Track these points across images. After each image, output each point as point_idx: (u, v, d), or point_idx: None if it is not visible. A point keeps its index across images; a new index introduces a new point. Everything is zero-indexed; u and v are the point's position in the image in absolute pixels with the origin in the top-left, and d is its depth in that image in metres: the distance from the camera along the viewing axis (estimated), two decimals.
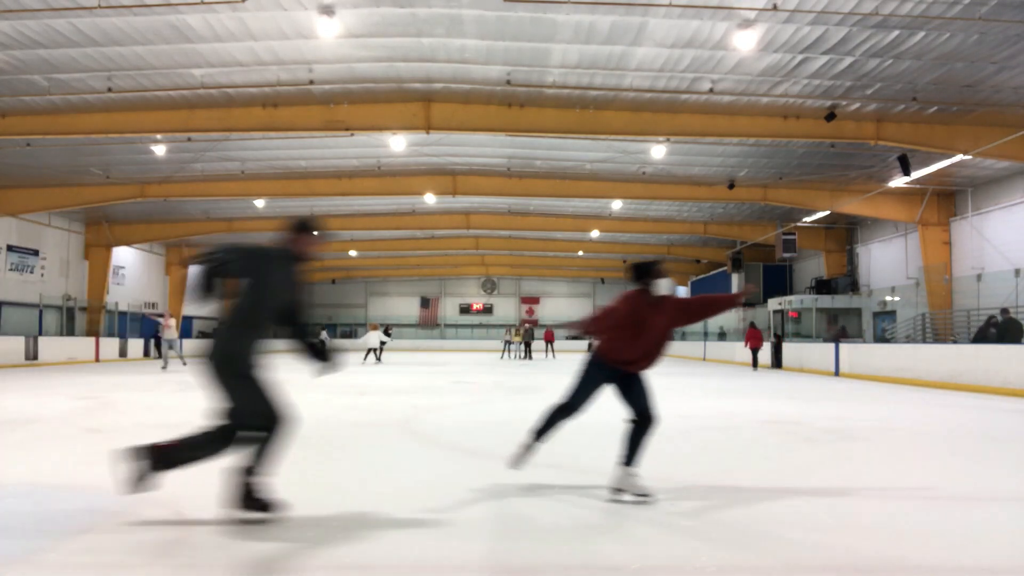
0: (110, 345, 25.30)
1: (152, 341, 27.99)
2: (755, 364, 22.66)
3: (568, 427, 7.65)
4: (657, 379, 16.57)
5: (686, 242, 32.83)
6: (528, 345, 30.86)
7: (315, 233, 3.95)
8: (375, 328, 25.14)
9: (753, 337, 22.56)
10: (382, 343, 24.98)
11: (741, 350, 26.80)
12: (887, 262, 24.97)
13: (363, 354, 24.81)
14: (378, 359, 24.30)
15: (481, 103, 14.88)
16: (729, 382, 15.75)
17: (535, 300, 50.79)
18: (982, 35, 11.28)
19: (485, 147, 18.56)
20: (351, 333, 43.85)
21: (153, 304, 32.40)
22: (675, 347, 37.81)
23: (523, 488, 4.65)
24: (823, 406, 10.25)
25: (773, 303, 27.39)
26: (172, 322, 18.04)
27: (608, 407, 10.12)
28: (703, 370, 21.67)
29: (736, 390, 13.23)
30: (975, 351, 13.72)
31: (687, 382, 15.71)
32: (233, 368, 3.63)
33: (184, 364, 18.10)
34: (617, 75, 13.41)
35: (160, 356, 27.88)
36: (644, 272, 4.40)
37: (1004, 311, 15.43)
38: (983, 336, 15.21)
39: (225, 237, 31.47)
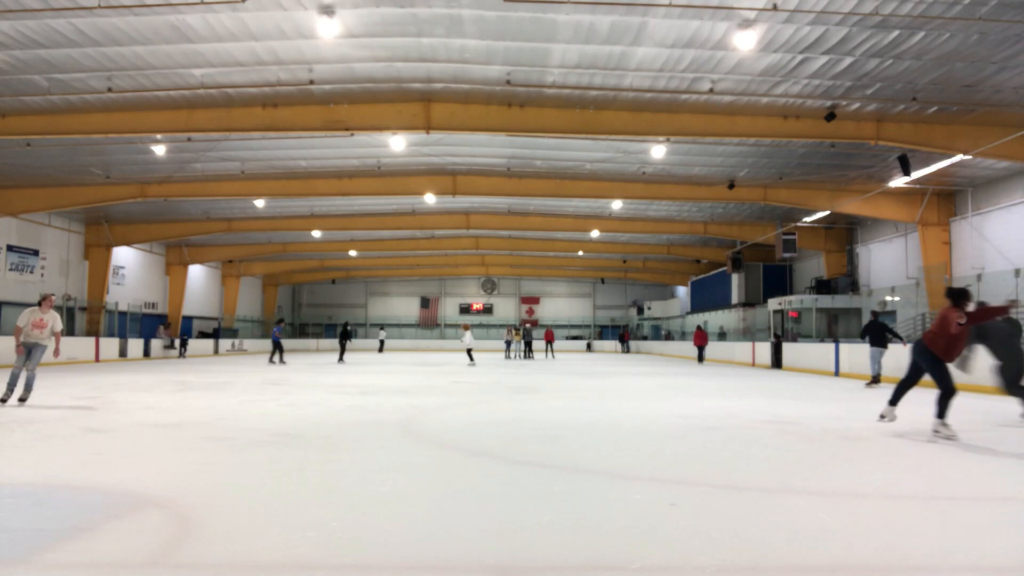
0: (110, 345, 25.30)
1: (151, 341, 28.00)
2: (700, 359, 26.86)
3: (567, 428, 7.69)
4: (657, 379, 16.46)
5: (686, 242, 32.84)
6: (529, 344, 30.94)
7: None
8: (467, 328, 25.60)
9: (699, 337, 26.53)
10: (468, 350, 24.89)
11: (741, 350, 26.91)
12: (887, 262, 24.97)
13: (465, 356, 24.87)
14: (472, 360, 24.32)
15: (481, 103, 14.88)
16: (729, 382, 15.75)
17: (535, 300, 50.83)
18: (982, 35, 11.28)
19: (485, 147, 18.56)
20: (353, 333, 43.85)
21: (153, 304, 32.39)
22: (675, 347, 37.79)
23: (523, 488, 4.66)
24: (823, 406, 10.25)
25: (773, 303, 27.39)
26: (51, 317, 9.52)
27: (602, 409, 10.09)
28: (703, 370, 21.67)
29: (736, 390, 13.23)
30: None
31: (687, 382, 15.71)
32: None
33: (20, 397, 9.30)
34: (617, 75, 13.41)
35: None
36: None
37: (874, 312, 15.19)
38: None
39: (225, 237, 31.54)
